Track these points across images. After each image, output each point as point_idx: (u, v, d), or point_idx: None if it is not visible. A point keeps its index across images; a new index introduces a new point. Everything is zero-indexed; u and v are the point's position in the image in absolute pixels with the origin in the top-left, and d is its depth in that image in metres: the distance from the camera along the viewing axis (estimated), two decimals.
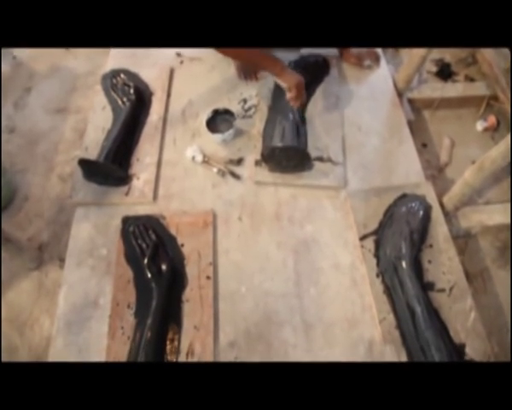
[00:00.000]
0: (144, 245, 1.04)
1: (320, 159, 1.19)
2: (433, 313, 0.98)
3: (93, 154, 1.22)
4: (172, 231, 1.08)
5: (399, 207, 1.12)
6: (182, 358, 0.93)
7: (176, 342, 0.95)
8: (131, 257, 1.05)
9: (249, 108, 1.33)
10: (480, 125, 1.52)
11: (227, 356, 0.95)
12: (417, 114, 1.54)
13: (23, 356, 1.09)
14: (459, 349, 0.95)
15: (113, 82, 1.40)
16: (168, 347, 0.94)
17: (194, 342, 0.95)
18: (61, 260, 1.19)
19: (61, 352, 0.98)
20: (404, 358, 0.94)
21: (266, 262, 1.06)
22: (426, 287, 1.02)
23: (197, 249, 1.05)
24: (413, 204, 1.12)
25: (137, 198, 1.15)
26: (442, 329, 0.97)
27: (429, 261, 1.05)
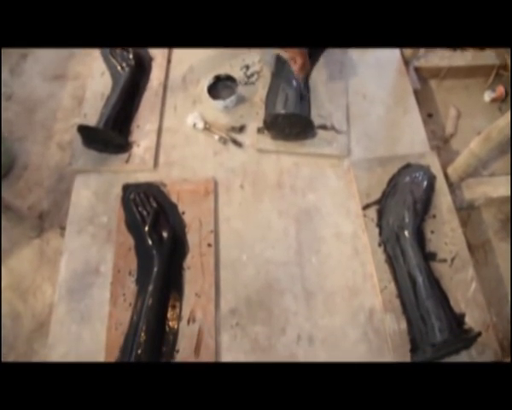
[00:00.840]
0: (145, 213, 1.03)
1: (323, 127, 1.16)
2: (434, 283, 0.98)
3: (92, 121, 1.19)
4: (173, 198, 1.07)
5: (403, 176, 1.10)
6: (183, 324, 0.94)
7: (177, 309, 0.95)
8: (132, 225, 1.04)
9: (252, 75, 1.30)
10: (487, 96, 1.48)
11: (228, 323, 0.96)
12: (424, 83, 1.50)
13: (26, 323, 1.10)
14: (459, 319, 0.96)
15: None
16: (169, 313, 0.95)
17: (196, 309, 0.95)
18: (62, 229, 1.18)
19: (63, 318, 0.99)
20: (403, 326, 0.94)
21: (268, 231, 1.05)
22: (428, 257, 1.01)
23: (198, 217, 1.04)
24: (417, 174, 1.10)
25: (138, 165, 1.14)
26: (442, 298, 0.97)
27: (432, 232, 1.05)
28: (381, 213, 1.06)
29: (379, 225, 1.05)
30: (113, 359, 0.91)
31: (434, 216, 1.07)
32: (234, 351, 0.93)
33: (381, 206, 1.07)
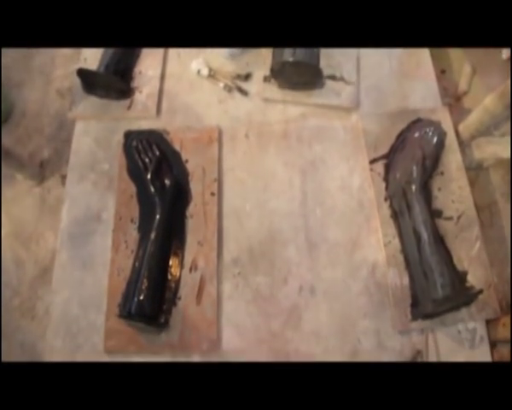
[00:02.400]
0: (147, 160, 1.01)
1: (332, 77, 1.12)
2: (439, 240, 0.97)
3: (93, 66, 1.15)
4: (176, 146, 1.05)
5: (413, 131, 1.07)
6: (185, 272, 0.94)
7: (179, 257, 0.95)
8: (134, 172, 1.02)
9: None
10: (505, 53, 1.41)
11: (230, 272, 0.96)
12: None
13: (30, 269, 1.11)
14: (461, 276, 0.95)
15: None
16: (172, 261, 0.95)
17: (198, 258, 0.95)
18: (63, 177, 1.16)
19: (65, 265, 0.99)
20: (405, 281, 0.94)
21: (272, 181, 1.04)
22: (434, 214, 1.00)
23: (202, 166, 1.02)
24: (427, 129, 1.07)
25: (140, 112, 1.10)
26: (446, 255, 0.96)
27: (439, 189, 1.03)
28: (388, 168, 1.04)
29: (386, 179, 1.03)
30: (115, 304, 0.92)
31: (442, 173, 1.05)
32: (235, 300, 0.94)
33: (389, 160, 1.05)
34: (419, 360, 0.88)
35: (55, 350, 0.91)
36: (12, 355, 1.00)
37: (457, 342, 0.91)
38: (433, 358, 0.89)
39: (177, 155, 1.04)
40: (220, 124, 1.09)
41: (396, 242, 0.97)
